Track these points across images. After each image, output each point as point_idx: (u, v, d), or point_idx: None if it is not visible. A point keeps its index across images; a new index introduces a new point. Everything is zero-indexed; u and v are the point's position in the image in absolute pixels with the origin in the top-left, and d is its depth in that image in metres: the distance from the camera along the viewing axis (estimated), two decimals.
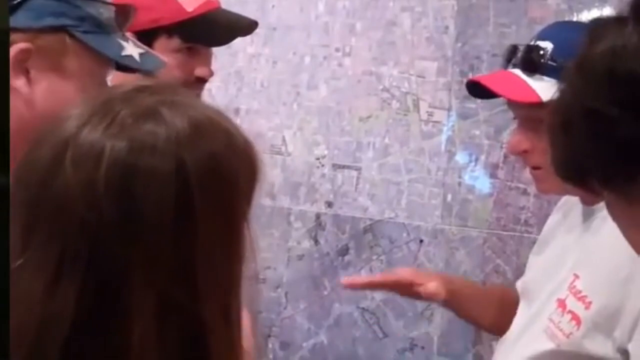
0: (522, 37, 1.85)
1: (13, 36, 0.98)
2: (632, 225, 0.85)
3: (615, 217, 0.87)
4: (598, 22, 0.86)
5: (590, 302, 1.30)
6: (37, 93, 1.00)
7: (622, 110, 0.79)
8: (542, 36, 1.42)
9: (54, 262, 0.71)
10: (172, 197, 0.71)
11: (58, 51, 1.01)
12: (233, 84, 2.46)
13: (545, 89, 1.34)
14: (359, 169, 2.35)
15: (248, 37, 1.76)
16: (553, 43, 1.38)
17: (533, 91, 1.37)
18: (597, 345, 1.27)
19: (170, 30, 1.55)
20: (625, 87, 0.79)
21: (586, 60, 0.83)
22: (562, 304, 1.35)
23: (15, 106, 0.95)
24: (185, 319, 0.72)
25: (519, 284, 1.59)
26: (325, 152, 2.38)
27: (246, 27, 1.64)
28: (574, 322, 1.31)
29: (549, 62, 1.37)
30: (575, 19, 1.95)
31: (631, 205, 0.83)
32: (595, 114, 0.80)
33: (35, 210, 0.73)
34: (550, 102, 1.29)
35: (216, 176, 0.74)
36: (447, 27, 2.20)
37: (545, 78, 1.37)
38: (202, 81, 1.59)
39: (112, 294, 0.70)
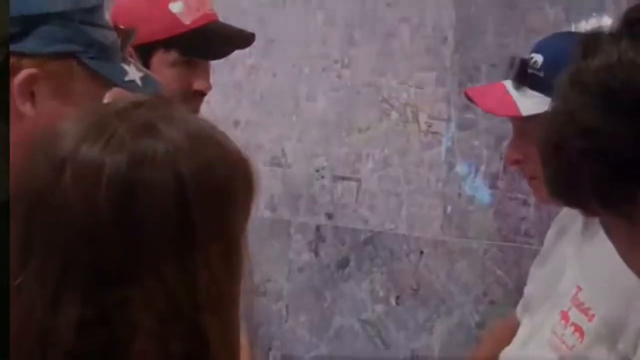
0: (521, 48, 1.85)
1: (21, 61, 0.99)
2: (632, 247, 0.84)
3: (613, 238, 0.85)
4: (590, 37, 0.85)
5: (593, 315, 1.29)
6: (42, 117, 1.01)
7: (620, 128, 0.77)
8: (536, 49, 1.43)
9: (56, 277, 0.72)
10: (171, 209, 0.72)
11: (66, 76, 1.03)
12: (232, 95, 2.46)
13: (528, 102, 1.36)
14: (358, 181, 2.35)
15: (247, 49, 1.76)
16: (544, 56, 1.39)
17: (514, 104, 1.38)
18: (601, 357, 1.27)
19: (168, 43, 1.55)
20: (623, 104, 0.78)
21: (580, 76, 0.82)
22: (565, 316, 1.35)
23: (20, 130, 0.96)
24: (187, 330, 0.72)
25: (519, 308, 1.58)
26: (325, 163, 2.38)
27: (244, 39, 1.64)
28: (577, 335, 1.31)
29: (537, 75, 1.38)
30: (573, 28, 1.95)
31: (632, 226, 0.81)
32: (592, 132, 0.78)
33: (34, 227, 0.73)
34: (539, 115, 1.30)
35: (213, 188, 0.75)
36: (445, 38, 2.20)
37: (530, 91, 1.38)
38: (200, 94, 1.58)
39: (114, 306, 0.71)
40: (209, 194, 0.74)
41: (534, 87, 1.38)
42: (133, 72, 1.08)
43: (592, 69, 0.80)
